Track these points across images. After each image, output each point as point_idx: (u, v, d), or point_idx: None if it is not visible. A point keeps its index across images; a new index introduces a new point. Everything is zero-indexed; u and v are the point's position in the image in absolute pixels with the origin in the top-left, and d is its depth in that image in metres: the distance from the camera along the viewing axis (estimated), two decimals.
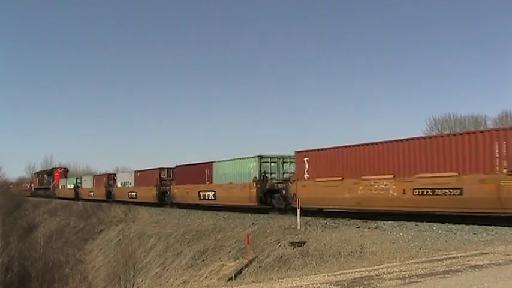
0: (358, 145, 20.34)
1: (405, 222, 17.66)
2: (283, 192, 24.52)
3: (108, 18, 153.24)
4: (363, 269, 9.68)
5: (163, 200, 36.99)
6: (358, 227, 17.70)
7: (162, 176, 37.53)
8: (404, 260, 10.75)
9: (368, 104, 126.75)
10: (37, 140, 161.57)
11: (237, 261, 17.90)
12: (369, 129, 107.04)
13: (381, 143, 19.34)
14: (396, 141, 18.79)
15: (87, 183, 54.00)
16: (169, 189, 35.59)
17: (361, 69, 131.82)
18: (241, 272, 16.71)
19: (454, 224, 16.45)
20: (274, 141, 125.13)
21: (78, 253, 33.35)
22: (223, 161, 29.65)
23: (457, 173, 16.44)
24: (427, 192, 17.24)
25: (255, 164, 26.27)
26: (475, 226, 15.64)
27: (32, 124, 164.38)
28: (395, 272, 8.77)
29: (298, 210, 19.57)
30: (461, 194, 16.18)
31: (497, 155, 15.46)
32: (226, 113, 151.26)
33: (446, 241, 13.54)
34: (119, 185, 45.39)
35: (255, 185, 25.65)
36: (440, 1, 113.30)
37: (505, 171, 15.17)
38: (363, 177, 19.52)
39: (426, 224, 16.75)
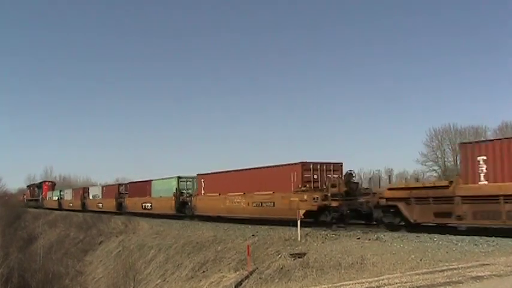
0: (228, 171, 29.59)
1: (406, 234, 17.64)
2: (189, 203, 33.40)
3: (110, 24, 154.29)
4: (363, 281, 9.68)
5: (120, 210, 43.91)
6: (359, 238, 17.66)
7: (120, 190, 45.89)
8: (405, 271, 10.74)
9: (367, 115, 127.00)
10: (37, 151, 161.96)
11: (238, 272, 17.83)
12: (367, 141, 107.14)
13: (237, 170, 28.49)
14: (244, 170, 27.81)
15: (68, 195, 61.91)
16: (124, 200, 44.09)
17: (360, 77, 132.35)
18: (241, 283, 16.65)
19: (455, 235, 16.44)
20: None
21: (78, 264, 33.20)
22: (157, 179, 38.79)
23: (272, 192, 24.59)
24: (259, 204, 25.67)
25: (174, 182, 35.26)
26: (476, 237, 15.62)
27: (32, 135, 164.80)
28: (396, 283, 8.77)
29: (299, 222, 19.56)
30: (274, 205, 24.57)
31: (292, 181, 23.57)
32: (226, 125, 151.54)
33: (447, 252, 13.50)
34: (90, 197, 53.24)
35: (174, 198, 34.69)
36: (441, 11, 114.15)
37: (292, 190, 23.35)
38: (228, 194, 28.24)
39: (427, 235, 16.73)
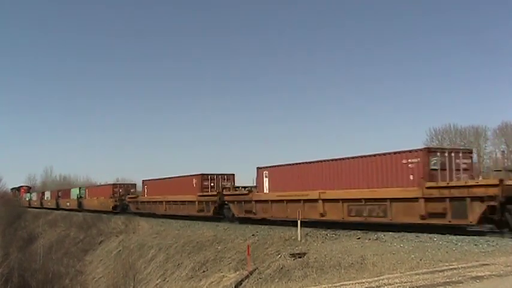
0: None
1: (406, 234, 17.63)
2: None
3: (110, 25, 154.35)
4: (363, 280, 9.69)
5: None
6: (359, 238, 17.66)
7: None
8: (405, 271, 10.75)
9: (367, 115, 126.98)
10: (37, 151, 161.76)
11: (238, 272, 17.85)
12: (368, 141, 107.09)
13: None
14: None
15: (34, 196, 79.24)
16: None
17: (360, 77, 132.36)
18: (241, 283, 16.67)
19: (455, 235, 16.44)
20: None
21: (78, 264, 33.21)
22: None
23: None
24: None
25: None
26: (475, 237, 15.62)
27: (32, 135, 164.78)
28: (396, 283, 8.77)
29: (299, 222, 19.56)
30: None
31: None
32: (226, 124, 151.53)
33: (447, 252, 13.51)
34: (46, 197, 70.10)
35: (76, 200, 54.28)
36: (441, 11, 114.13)
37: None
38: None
39: (427, 235, 16.71)
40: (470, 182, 16.57)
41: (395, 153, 18.77)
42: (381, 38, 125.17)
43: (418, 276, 9.58)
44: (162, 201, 35.96)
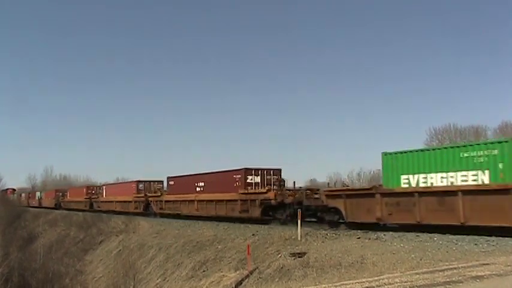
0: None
1: (406, 233, 17.63)
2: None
3: (109, 25, 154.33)
4: (363, 280, 9.69)
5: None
6: (359, 238, 17.66)
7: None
8: (405, 270, 10.75)
9: (367, 115, 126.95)
10: (38, 151, 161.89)
11: (238, 272, 17.84)
12: (367, 141, 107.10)
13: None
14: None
15: (15, 197, 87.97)
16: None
17: (361, 77, 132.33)
18: (241, 282, 16.66)
19: (455, 234, 16.43)
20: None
21: (78, 264, 33.17)
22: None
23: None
24: None
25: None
26: (476, 237, 15.60)
27: (33, 135, 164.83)
28: (396, 282, 8.77)
29: (299, 222, 19.56)
30: None
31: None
32: (224, 124, 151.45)
33: (447, 252, 13.50)
34: (36, 197, 76.86)
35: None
36: (441, 11, 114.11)
37: None
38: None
39: (427, 235, 16.72)
40: (257, 191, 26.65)
41: (229, 171, 28.79)
42: (381, 38, 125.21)
43: (418, 275, 9.58)
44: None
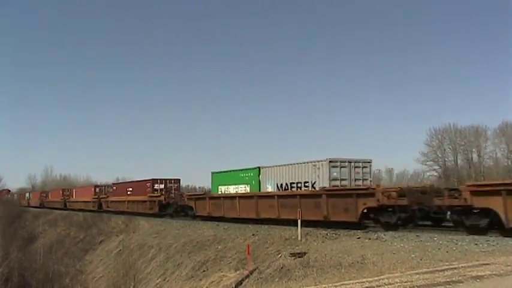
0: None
1: (406, 233, 17.65)
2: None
3: (108, 25, 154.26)
4: (363, 280, 9.68)
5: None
6: (359, 238, 17.65)
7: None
8: (405, 270, 10.74)
9: (367, 115, 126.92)
10: (38, 151, 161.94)
11: (238, 272, 17.82)
12: (367, 141, 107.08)
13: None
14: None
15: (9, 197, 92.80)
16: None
17: (361, 77, 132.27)
18: (241, 283, 16.64)
19: (455, 234, 16.45)
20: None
21: (78, 264, 33.16)
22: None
23: None
24: None
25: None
26: (476, 237, 15.62)
27: (33, 135, 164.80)
28: (397, 282, 8.77)
29: (299, 222, 19.54)
30: None
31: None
32: (230, 122, 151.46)
33: (447, 252, 13.49)
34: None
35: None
36: (441, 11, 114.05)
37: None
38: None
39: (427, 235, 16.73)
40: (155, 194, 39.14)
41: (143, 180, 40.01)
42: (382, 38, 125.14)
43: (418, 275, 9.58)
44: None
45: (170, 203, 36.88)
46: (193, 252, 23.09)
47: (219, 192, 32.65)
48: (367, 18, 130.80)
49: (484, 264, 10.54)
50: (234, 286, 16.34)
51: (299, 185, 26.39)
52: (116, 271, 24.79)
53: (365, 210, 19.77)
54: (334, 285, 9.26)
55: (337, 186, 23.92)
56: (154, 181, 40.76)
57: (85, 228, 41.79)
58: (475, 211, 16.65)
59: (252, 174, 29.99)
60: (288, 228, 21.23)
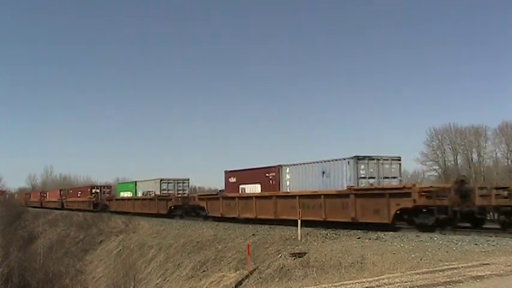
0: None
1: (406, 233, 17.64)
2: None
3: (108, 26, 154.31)
4: (363, 280, 9.68)
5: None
6: (359, 238, 17.65)
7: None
8: (405, 270, 10.73)
9: (368, 115, 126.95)
10: (38, 151, 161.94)
11: (238, 272, 17.82)
12: (367, 141, 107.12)
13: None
14: None
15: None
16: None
17: (361, 77, 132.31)
18: (241, 283, 16.64)
19: (455, 234, 16.44)
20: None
21: (79, 264, 33.16)
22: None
23: None
24: None
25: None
26: (476, 237, 15.63)
27: (33, 135, 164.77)
28: (397, 282, 8.77)
29: (299, 221, 19.54)
30: None
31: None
32: (226, 125, 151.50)
33: (447, 252, 13.49)
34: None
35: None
36: (441, 11, 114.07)
37: None
38: None
39: (427, 235, 16.73)
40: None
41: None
42: (382, 38, 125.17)
43: (418, 275, 9.58)
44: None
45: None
46: (193, 252, 23.09)
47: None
48: (367, 18, 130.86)
49: (484, 264, 10.54)
50: (234, 286, 16.34)
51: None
52: (115, 271, 24.78)
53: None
54: (334, 285, 9.26)
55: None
56: (92, 187, 57.32)
57: (85, 228, 41.77)
58: None
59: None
60: (288, 228, 21.22)
